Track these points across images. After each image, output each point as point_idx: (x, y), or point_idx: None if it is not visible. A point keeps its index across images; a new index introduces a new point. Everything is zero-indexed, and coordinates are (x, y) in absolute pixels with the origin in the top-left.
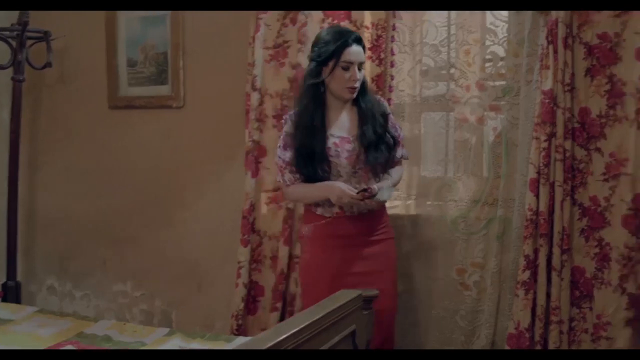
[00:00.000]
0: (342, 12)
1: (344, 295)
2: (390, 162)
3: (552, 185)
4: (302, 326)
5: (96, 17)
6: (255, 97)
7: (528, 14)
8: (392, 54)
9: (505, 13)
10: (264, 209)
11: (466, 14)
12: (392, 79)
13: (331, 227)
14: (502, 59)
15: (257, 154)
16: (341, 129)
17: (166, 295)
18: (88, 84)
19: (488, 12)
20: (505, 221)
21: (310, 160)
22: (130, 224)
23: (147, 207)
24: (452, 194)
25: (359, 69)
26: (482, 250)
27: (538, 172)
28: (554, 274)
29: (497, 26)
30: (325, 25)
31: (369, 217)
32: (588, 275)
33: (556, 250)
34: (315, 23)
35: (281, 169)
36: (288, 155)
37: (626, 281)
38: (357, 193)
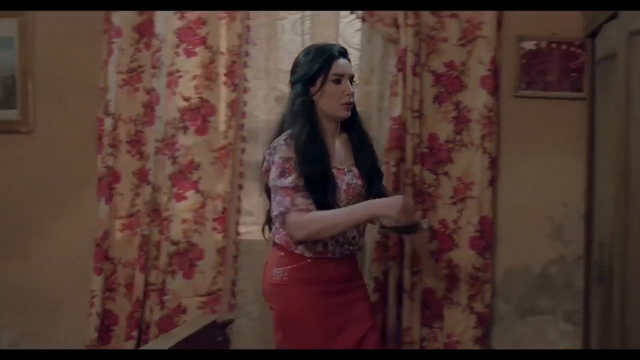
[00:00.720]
0: (197, 37)
1: (198, 322)
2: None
3: None
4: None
5: None
6: (108, 122)
7: (379, 43)
8: (246, 80)
9: (357, 41)
10: (118, 235)
11: (319, 41)
12: (245, 105)
13: (310, 270)
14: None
15: (110, 180)
16: (336, 159)
17: (15, 328)
18: None
19: (340, 40)
20: None
21: (320, 185)
22: None
23: None
24: None
25: (351, 83)
26: None
27: None
28: (404, 296)
29: (349, 54)
30: (180, 50)
31: (350, 261)
32: (438, 295)
33: (407, 273)
34: (170, 48)
35: (289, 193)
36: (290, 179)
37: (474, 301)
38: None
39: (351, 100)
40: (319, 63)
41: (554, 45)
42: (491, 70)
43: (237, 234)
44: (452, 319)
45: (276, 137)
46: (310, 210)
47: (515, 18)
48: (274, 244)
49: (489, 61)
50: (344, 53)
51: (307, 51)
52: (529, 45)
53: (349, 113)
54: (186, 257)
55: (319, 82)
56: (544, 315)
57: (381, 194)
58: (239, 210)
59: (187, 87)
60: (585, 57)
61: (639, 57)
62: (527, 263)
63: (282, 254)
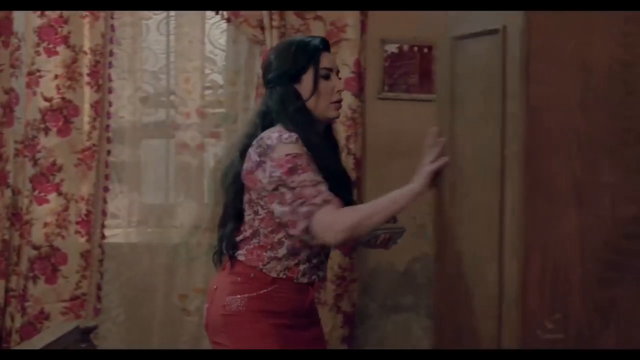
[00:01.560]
0: (58, 36)
1: (60, 328)
2: None
3: None
4: None
5: None
6: None
7: (245, 44)
8: (110, 80)
9: (223, 42)
10: None
11: (185, 42)
12: (110, 106)
13: (272, 300)
14: (221, 87)
15: None
16: None
17: None
18: None
19: (207, 41)
20: None
21: (340, 184)
22: None
23: None
24: (173, 221)
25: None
26: (204, 276)
27: None
28: None
29: (215, 55)
30: (41, 49)
31: (313, 291)
32: None
33: None
34: (30, 47)
35: (314, 186)
36: (306, 175)
37: (341, 300)
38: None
39: (342, 97)
40: (305, 57)
41: (415, 48)
42: (355, 73)
43: (102, 237)
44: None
45: (252, 134)
46: (336, 201)
47: (379, 22)
48: (231, 264)
49: (353, 63)
50: (328, 45)
51: (286, 45)
52: (392, 48)
53: (339, 114)
54: (49, 262)
55: (305, 78)
56: (408, 313)
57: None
58: (104, 213)
59: (49, 87)
60: None
61: (462, 60)
62: (391, 261)
63: (239, 278)
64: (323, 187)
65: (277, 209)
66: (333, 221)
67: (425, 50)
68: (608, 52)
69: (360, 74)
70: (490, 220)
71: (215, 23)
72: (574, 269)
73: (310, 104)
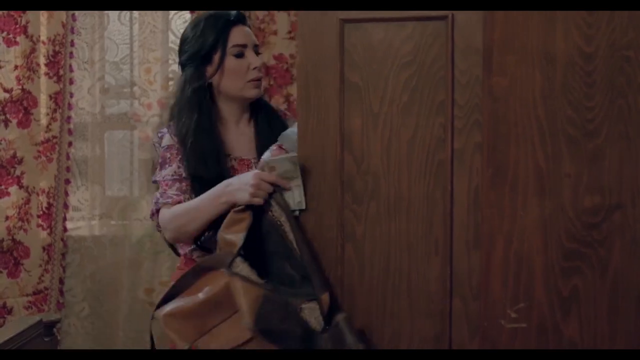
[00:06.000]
0: (18, 26)
1: (23, 322)
2: None
3: None
4: None
5: None
6: None
7: None
8: (71, 71)
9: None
10: None
11: (147, 32)
12: (71, 97)
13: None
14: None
15: None
16: (241, 149)
17: None
18: None
19: (169, 32)
20: None
21: (209, 184)
22: None
23: None
24: (137, 213)
25: (257, 54)
26: (170, 269)
27: None
28: None
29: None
30: (0, 40)
31: None
32: None
33: None
34: None
35: (165, 186)
36: (169, 170)
37: None
38: None
39: (260, 74)
40: (213, 34)
41: None
42: None
43: (65, 230)
44: None
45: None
46: (181, 201)
47: None
48: None
49: None
50: (242, 19)
51: (196, 22)
52: None
53: (260, 91)
54: (11, 256)
55: (216, 58)
56: None
57: None
58: (65, 206)
59: (9, 78)
60: None
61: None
62: None
63: (183, 258)
64: (174, 187)
65: None
66: (163, 221)
67: None
68: (570, 44)
69: None
70: (429, 213)
71: (177, 12)
72: (536, 258)
73: (223, 85)
